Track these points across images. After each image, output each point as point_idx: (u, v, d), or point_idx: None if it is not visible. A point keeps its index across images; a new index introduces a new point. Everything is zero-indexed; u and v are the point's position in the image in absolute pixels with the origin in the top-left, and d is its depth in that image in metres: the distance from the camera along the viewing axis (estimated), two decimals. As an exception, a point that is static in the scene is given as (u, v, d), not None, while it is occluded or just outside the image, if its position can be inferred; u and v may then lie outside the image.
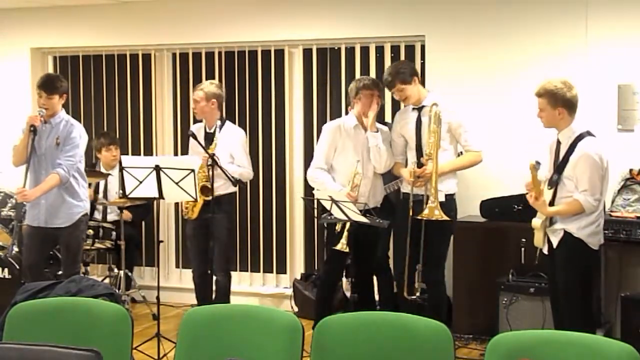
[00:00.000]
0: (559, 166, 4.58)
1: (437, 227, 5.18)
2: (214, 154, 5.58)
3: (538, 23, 6.09)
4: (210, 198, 5.65)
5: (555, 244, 4.63)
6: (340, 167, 5.51)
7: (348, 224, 5.20)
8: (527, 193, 4.75)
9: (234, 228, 6.44)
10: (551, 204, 4.60)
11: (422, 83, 5.74)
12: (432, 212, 5.09)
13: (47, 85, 5.45)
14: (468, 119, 5.39)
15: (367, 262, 5.66)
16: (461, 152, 5.46)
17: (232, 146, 5.89)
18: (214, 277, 5.93)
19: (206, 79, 7.16)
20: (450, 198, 5.33)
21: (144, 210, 6.98)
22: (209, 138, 5.85)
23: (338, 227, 5.31)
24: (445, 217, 5.12)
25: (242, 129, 6.22)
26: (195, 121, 6.39)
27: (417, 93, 5.33)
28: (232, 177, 5.64)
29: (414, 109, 5.38)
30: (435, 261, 5.34)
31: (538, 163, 4.45)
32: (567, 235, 4.58)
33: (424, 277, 5.38)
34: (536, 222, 4.70)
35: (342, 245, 5.21)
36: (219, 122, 5.93)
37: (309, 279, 6.76)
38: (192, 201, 5.55)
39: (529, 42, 6.12)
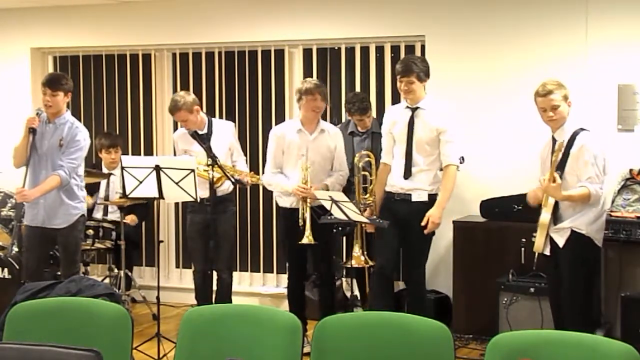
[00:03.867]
0: (560, 164, 4.58)
1: (417, 226, 5.16)
2: (214, 155, 5.58)
3: (538, 23, 6.09)
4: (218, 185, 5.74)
5: (561, 244, 4.63)
6: (289, 172, 5.60)
7: (309, 218, 5.35)
8: (526, 194, 4.81)
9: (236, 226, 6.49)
10: (555, 204, 4.61)
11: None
12: (359, 260, 5.27)
13: (52, 82, 5.47)
14: (456, 128, 5.32)
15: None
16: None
17: (229, 140, 5.99)
18: (217, 276, 5.95)
19: (206, 79, 7.19)
20: (434, 198, 5.23)
21: (144, 211, 6.97)
22: (206, 138, 5.85)
23: (301, 222, 5.44)
24: (364, 264, 5.29)
25: (229, 121, 6.34)
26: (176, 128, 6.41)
27: (420, 92, 5.32)
28: (233, 177, 5.65)
29: (407, 107, 5.34)
30: (415, 261, 5.32)
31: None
32: (574, 233, 4.59)
33: (404, 276, 5.42)
34: (545, 218, 4.65)
35: (308, 239, 5.35)
36: (206, 121, 5.97)
37: (309, 279, 6.76)
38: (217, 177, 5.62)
39: (529, 42, 6.12)
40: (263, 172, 5.93)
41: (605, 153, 4.62)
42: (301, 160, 5.47)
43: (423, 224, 5.11)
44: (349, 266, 5.39)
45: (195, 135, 5.63)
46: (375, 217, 5.30)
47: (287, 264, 5.90)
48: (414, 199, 5.21)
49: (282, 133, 5.65)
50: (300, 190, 5.39)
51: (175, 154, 6.24)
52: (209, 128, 5.94)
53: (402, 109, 5.37)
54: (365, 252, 5.34)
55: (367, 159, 5.35)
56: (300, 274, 5.85)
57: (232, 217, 6.05)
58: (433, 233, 5.30)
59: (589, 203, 4.54)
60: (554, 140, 4.67)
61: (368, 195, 5.38)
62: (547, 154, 4.70)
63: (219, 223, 5.80)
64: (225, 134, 5.99)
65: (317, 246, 5.48)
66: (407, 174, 5.23)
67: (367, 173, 5.43)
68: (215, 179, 5.57)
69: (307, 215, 5.36)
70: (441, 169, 5.26)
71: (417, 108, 5.26)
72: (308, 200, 5.38)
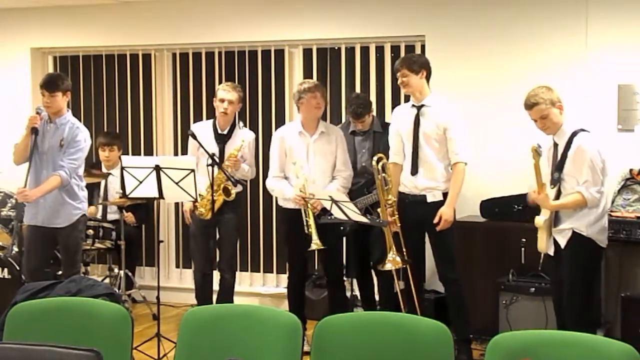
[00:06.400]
0: (559, 164, 4.59)
1: (435, 225, 5.19)
2: (213, 154, 5.59)
3: (538, 23, 6.09)
4: (231, 198, 5.70)
5: (563, 245, 4.62)
6: (291, 174, 5.57)
7: (313, 224, 5.28)
8: (526, 193, 4.79)
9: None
10: None
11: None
12: (396, 263, 5.13)
13: (49, 84, 5.47)
14: (462, 124, 5.34)
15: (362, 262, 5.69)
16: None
17: (246, 147, 5.93)
18: (219, 277, 5.95)
19: (206, 79, 7.19)
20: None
21: (145, 213, 6.97)
22: (222, 139, 5.86)
23: (306, 229, 5.36)
24: (402, 265, 5.15)
25: (252, 131, 6.27)
26: (194, 121, 6.38)
27: (420, 87, 5.29)
28: (233, 177, 5.65)
29: (413, 106, 5.36)
30: (445, 258, 5.33)
31: (540, 146, 4.48)
32: (576, 234, 4.58)
33: (440, 277, 5.40)
34: (539, 220, 4.66)
35: (316, 245, 5.28)
36: (230, 124, 5.97)
37: (309, 278, 6.76)
38: (209, 201, 5.61)
39: (529, 42, 6.12)
40: (257, 171, 5.93)
41: (603, 153, 4.57)
42: (294, 167, 5.44)
43: (435, 221, 5.15)
44: (385, 269, 5.24)
45: (193, 135, 5.64)
46: (375, 217, 5.30)
47: (287, 264, 5.89)
48: (429, 199, 5.25)
49: (283, 136, 5.64)
50: (299, 197, 5.34)
51: (188, 147, 6.13)
52: (230, 131, 5.93)
53: (408, 108, 5.40)
54: (399, 252, 5.20)
55: (383, 160, 5.29)
56: (302, 273, 5.85)
57: (235, 219, 5.99)
58: (454, 227, 5.33)
59: (587, 207, 4.52)
60: (555, 144, 4.66)
61: (390, 196, 5.31)
62: (549, 154, 4.69)
63: (224, 223, 5.82)
64: (245, 141, 5.93)
65: (326, 249, 5.44)
66: (414, 171, 5.26)
67: (386, 175, 5.34)
68: (215, 200, 5.62)
69: (312, 221, 5.31)
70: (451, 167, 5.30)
71: (422, 106, 5.28)
72: (310, 206, 5.33)
